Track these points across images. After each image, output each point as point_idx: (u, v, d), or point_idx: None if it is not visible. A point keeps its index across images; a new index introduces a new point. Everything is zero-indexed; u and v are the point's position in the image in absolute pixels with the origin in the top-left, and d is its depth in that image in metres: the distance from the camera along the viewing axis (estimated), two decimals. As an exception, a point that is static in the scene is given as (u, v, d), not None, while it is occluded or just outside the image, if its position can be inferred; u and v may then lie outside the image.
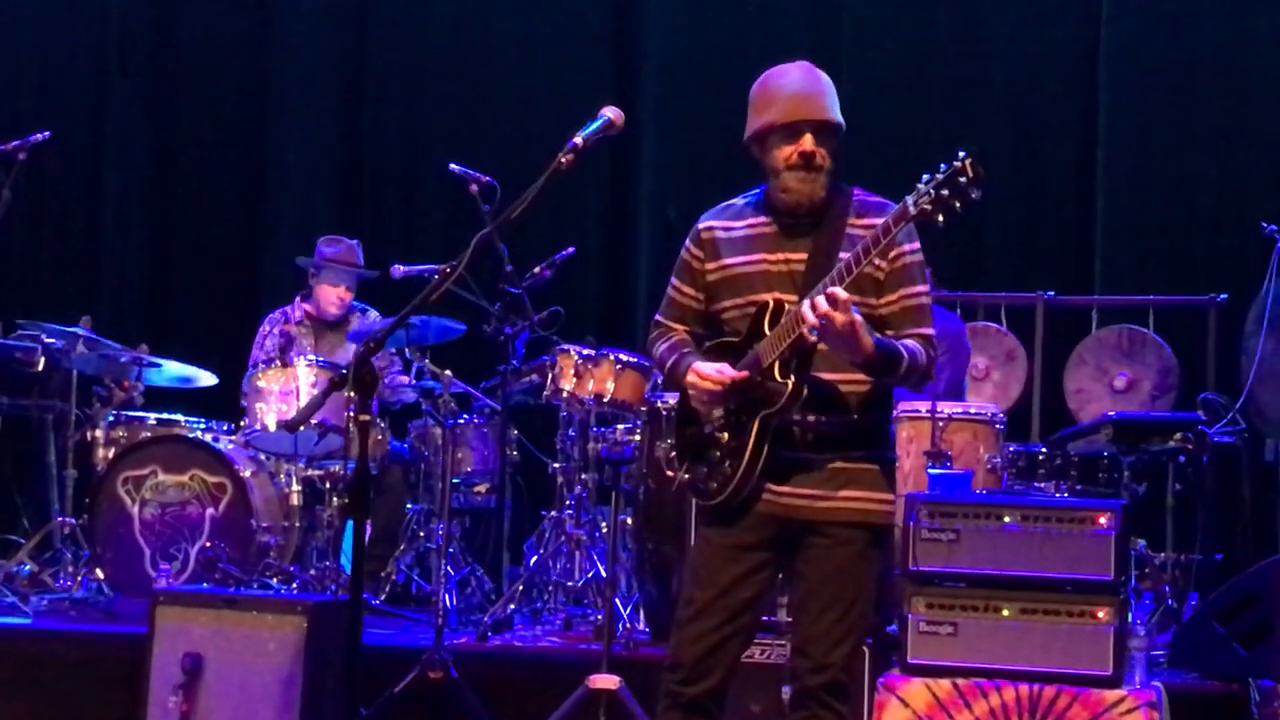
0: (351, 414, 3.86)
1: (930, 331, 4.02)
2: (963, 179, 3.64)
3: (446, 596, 6.35)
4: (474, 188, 6.69)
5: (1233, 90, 8.33)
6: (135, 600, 6.50)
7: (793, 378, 3.90)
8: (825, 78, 4.06)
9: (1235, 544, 7.09)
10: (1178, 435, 6.56)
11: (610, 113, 4.07)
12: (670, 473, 5.96)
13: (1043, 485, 6.31)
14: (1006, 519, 5.10)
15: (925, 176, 3.69)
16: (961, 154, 3.66)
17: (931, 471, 5.93)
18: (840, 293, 3.74)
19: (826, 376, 3.96)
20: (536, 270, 7.01)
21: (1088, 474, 6.60)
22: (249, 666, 5.48)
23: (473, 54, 9.32)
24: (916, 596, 5.12)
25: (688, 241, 4.19)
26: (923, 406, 6.23)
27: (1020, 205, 8.47)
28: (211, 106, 9.54)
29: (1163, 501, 6.87)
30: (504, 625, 6.53)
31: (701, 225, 4.16)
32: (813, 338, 3.81)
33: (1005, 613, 5.04)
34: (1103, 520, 5.04)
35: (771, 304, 3.97)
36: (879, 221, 3.87)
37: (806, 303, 3.79)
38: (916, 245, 4.01)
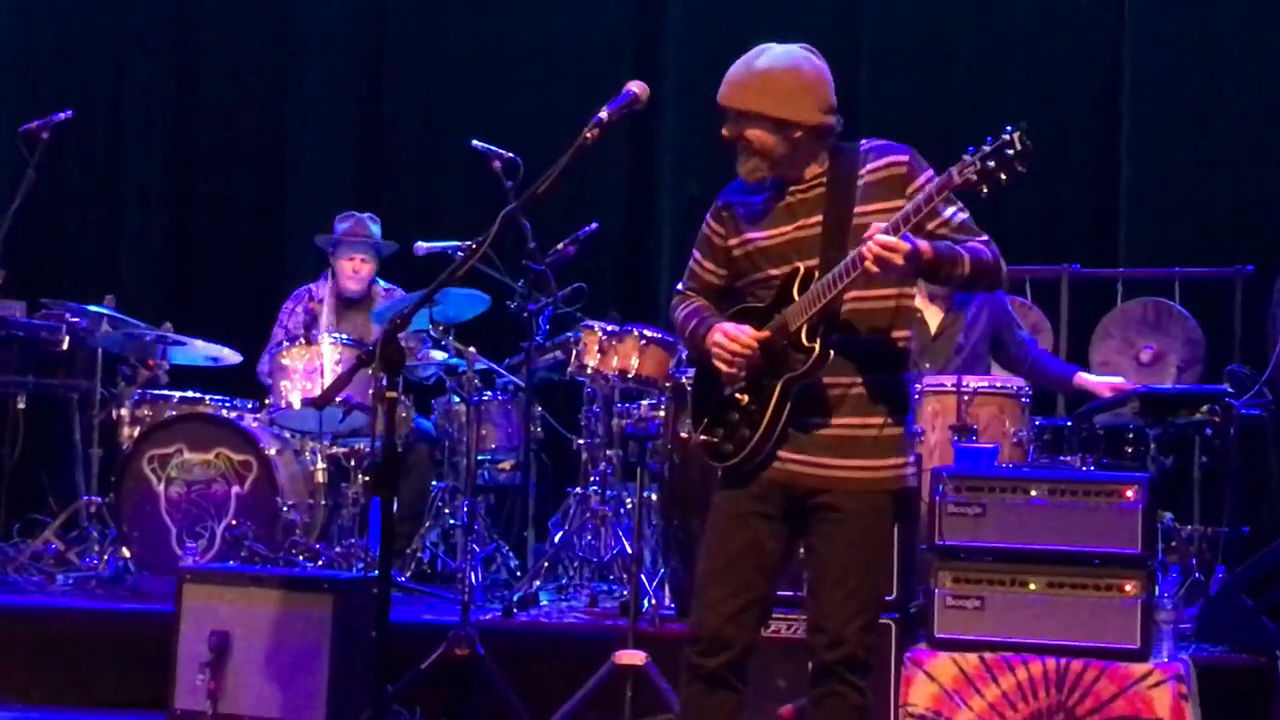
0: (378, 389, 3.85)
1: (985, 236, 3.96)
2: (1010, 151, 3.61)
3: (472, 573, 6.36)
4: (496, 164, 6.67)
5: (1258, 60, 8.28)
6: (161, 578, 6.52)
7: (819, 342, 3.88)
8: (760, 64, 3.95)
9: (1262, 516, 7.05)
10: (1204, 408, 6.53)
11: (635, 87, 4.07)
12: (686, 434, 5.95)
13: (1069, 458, 6.26)
14: (1033, 492, 5.10)
15: (970, 148, 3.66)
16: (1009, 128, 3.63)
17: (957, 445, 5.91)
18: (885, 238, 3.69)
19: (849, 342, 3.93)
20: (560, 246, 6.99)
21: (1114, 447, 6.58)
22: (276, 644, 5.49)
23: (493, 32, 9.30)
24: (943, 570, 5.12)
25: (709, 216, 4.18)
26: (948, 380, 6.22)
27: (1045, 177, 8.41)
28: (232, 85, 9.56)
29: (1189, 474, 6.85)
30: (529, 601, 6.54)
31: (722, 200, 4.16)
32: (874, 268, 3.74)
33: (1032, 586, 5.04)
34: (1129, 493, 5.03)
35: (802, 270, 3.94)
36: (889, 160, 3.92)
37: (866, 250, 3.71)
38: (930, 172, 3.91)
